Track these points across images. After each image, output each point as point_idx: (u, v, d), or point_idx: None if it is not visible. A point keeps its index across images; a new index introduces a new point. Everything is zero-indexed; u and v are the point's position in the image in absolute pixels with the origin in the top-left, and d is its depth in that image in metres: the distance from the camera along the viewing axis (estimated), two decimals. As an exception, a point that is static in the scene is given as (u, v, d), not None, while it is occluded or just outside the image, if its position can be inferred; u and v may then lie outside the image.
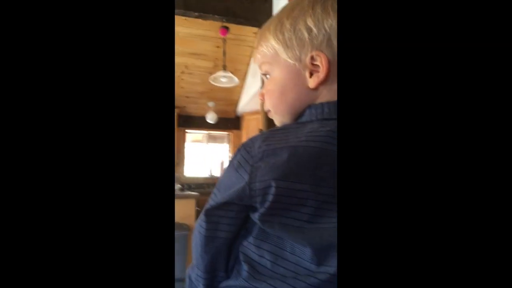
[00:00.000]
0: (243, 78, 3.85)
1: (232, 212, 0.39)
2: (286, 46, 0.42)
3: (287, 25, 0.42)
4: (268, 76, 0.46)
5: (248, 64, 3.68)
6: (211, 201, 0.41)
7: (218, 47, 3.33)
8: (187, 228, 2.35)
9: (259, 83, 2.80)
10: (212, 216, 0.40)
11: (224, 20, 2.47)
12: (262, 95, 0.47)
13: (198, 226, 0.42)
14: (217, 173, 4.58)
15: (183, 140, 4.47)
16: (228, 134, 4.78)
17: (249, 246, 0.40)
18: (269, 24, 0.45)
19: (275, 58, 0.44)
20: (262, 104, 0.48)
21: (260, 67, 0.47)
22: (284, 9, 0.44)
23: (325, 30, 0.40)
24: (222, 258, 0.41)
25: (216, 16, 2.40)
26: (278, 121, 0.47)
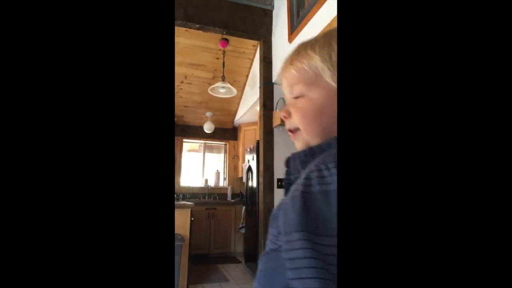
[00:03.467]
0: (241, 89, 3.87)
1: None
2: (332, 67, 0.41)
3: (336, 48, 0.41)
4: (299, 96, 0.43)
5: (246, 76, 3.71)
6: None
7: (217, 58, 3.37)
8: (181, 239, 2.33)
9: (257, 95, 2.82)
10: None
11: (224, 32, 2.51)
12: (288, 113, 0.44)
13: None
14: (213, 183, 4.56)
15: (180, 149, 4.46)
16: (225, 144, 4.78)
17: None
18: (314, 43, 0.43)
19: (316, 78, 0.42)
20: (284, 122, 0.45)
21: (291, 84, 0.44)
22: (331, 32, 0.43)
23: None
24: None
25: (216, 28, 2.44)
26: (304, 141, 0.44)
